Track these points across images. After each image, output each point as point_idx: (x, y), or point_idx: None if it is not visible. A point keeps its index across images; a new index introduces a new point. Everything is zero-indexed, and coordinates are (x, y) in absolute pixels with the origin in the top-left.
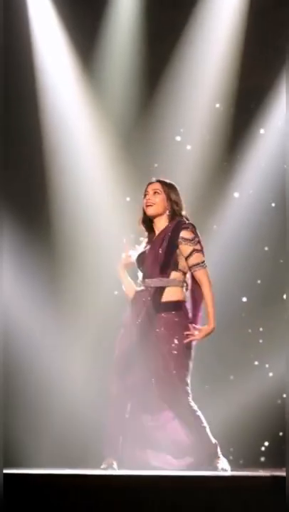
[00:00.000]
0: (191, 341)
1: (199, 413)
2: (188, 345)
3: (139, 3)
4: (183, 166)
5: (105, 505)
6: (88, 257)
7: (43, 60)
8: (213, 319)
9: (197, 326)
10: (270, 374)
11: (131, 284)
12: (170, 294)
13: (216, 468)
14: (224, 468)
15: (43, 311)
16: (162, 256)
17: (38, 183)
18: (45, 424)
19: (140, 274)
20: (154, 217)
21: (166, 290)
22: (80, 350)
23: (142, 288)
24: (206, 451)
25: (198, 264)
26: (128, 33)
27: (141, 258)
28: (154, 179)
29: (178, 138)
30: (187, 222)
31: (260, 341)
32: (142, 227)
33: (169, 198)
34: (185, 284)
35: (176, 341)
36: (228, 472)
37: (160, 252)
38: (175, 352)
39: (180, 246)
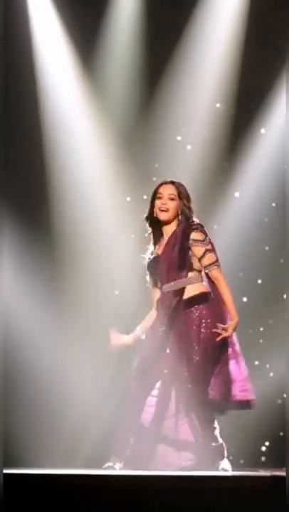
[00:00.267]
0: (221, 340)
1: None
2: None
3: (140, 3)
4: (183, 166)
5: (105, 505)
6: (88, 256)
7: (43, 60)
8: (235, 313)
9: (223, 326)
10: (271, 374)
11: (128, 338)
12: (192, 290)
13: (217, 468)
14: (225, 468)
15: (43, 310)
16: (176, 260)
17: (38, 183)
18: (45, 424)
19: (148, 278)
20: (165, 222)
21: (187, 288)
22: (80, 349)
23: (162, 294)
24: (213, 451)
25: (212, 263)
26: (128, 33)
27: (153, 264)
28: (168, 180)
29: (178, 138)
30: (196, 222)
31: (261, 341)
32: (147, 226)
33: (183, 205)
34: (204, 279)
35: (202, 336)
36: (228, 472)
37: (174, 256)
38: (203, 349)
39: (192, 248)
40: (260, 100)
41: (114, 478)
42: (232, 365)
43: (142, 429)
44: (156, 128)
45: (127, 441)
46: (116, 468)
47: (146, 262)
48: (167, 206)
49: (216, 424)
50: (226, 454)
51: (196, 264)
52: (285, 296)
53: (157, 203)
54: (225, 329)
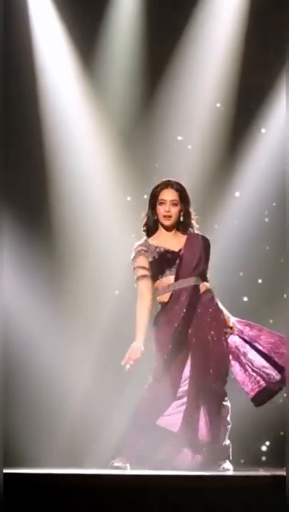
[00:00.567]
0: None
1: (229, 415)
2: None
3: (140, 3)
4: (184, 166)
5: (105, 505)
6: (89, 256)
7: (44, 60)
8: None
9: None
10: None
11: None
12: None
13: (219, 468)
14: (226, 467)
15: (43, 310)
16: (201, 267)
17: (38, 183)
18: (45, 423)
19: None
20: (168, 228)
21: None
22: (81, 349)
23: (176, 290)
24: (220, 451)
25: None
26: (128, 33)
27: (164, 261)
28: (167, 183)
29: (179, 137)
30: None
31: None
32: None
33: (183, 210)
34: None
35: (214, 337)
36: (229, 472)
37: (199, 263)
38: (216, 347)
39: None
40: (260, 100)
41: (114, 478)
42: (252, 355)
43: (164, 433)
44: (156, 128)
45: (138, 442)
46: (127, 469)
47: (149, 251)
48: (171, 213)
49: (229, 425)
50: (230, 456)
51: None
52: (285, 295)
53: (160, 209)
54: (230, 327)
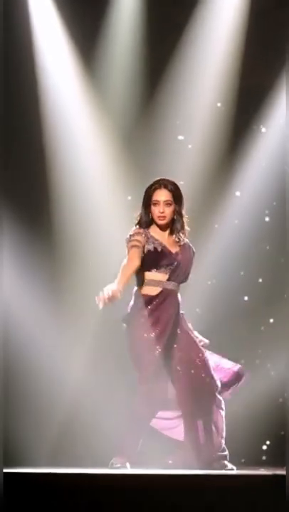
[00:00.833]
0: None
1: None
2: None
3: (140, 3)
4: (184, 165)
5: (106, 504)
6: (89, 256)
7: (44, 60)
8: None
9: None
10: (272, 373)
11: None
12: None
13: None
14: (230, 468)
15: (43, 310)
16: (189, 273)
17: (38, 183)
18: (46, 423)
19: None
20: (163, 227)
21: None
22: (81, 349)
23: (166, 289)
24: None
25: None
26: (129, 33)
27: (159, 256)
28: (160, 182)
29: (180, 137)
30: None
31: (262, 340)
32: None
33: (175, 211)
34: None
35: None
36: (229, 471)
37: (190, 268)
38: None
39: None
40: (261, 99)
41: (114, 478)
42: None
43: (165, 438)
44: (157, 127)
45: (136, 442)
46: (127, 468)
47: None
48: (165, 214)
49: (223, 433)
50: (227, 461)
51: None
52: (285, 295)
53: (154, 210)
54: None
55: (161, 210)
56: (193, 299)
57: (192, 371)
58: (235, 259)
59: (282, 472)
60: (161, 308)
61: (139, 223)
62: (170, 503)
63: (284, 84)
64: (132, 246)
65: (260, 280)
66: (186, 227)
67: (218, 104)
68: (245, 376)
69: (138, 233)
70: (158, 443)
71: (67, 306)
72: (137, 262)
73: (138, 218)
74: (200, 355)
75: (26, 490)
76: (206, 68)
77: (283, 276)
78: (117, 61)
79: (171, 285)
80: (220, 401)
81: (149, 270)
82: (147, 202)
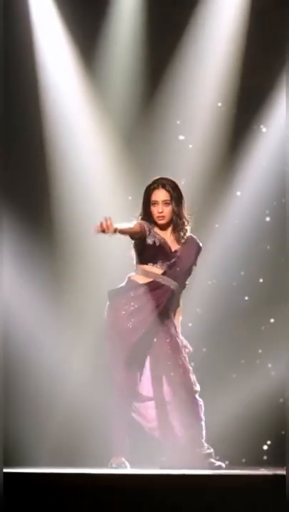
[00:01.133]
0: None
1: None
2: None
3: (141, 3)
4: (185, 165)
5: (106, 504)
6: (89, 255)
7: (45, 60)
8: None
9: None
10: (272, 373)
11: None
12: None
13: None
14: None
15: (43, 309)
16: (189, 271)
17: (39, 182)
18: (46, 423)
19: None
20: (163, 227)
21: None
22: (81, 348)
23: (158, 281)
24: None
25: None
26: (129, 32)
27: (158, 251)
28: (158, 182)
29: (181, 137)
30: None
31: (262, 340)
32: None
33: (173, 210)
34: None
35: (179, 339)
36: (229, 471)
37: (190, 266)
38: (184, 353)
39: None
40: (261, 99)
41: (114, 478)
42: None
43: (139, 428)
44: (157, 127)
45: (123, 437)
46: (126, 467)
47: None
48: (164, 214)
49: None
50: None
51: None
52: (286, 295)
53: (153, 210)
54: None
55: (160, 210)
56: (194, 299)
57: (169, 368)
58: (236, 259)
59: (283, 472)
60: (146, 298)
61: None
62: (170, 503)
63: (284, 84)
64: (137, 222)
65: (261, 280)
66: (187, 226)
67: (219, 104)
68: None
69: (144, 222)
70: (149, 443)
71: (68, 306)
72: (137, 228)
73: (139, 218)
74: (180, 355)
75: (26, 490)
76: (207, 68)
77: (284, 276)
78: (117, 61)
79: (164, 280)
80: (196, 401)
81: (146, 263)
82: (147, 202)
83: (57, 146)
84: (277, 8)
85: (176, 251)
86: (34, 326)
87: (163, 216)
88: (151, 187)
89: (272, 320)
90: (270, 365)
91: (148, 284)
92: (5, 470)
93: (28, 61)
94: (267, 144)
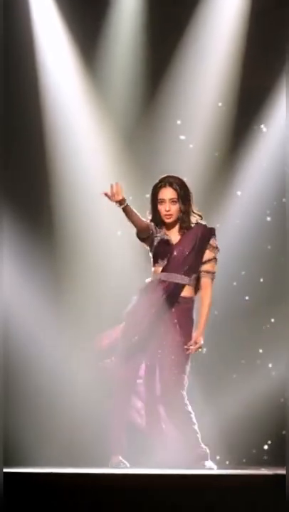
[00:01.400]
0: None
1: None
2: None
3: (141, 3)
4: (185, 165)
5: (106, 504)
6: (90, 255)
7: (45, 60)
8: (204, 325)
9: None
10: (273, 373)
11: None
12: (187, 291)
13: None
14: (210, 467)
15: (44, 309)
16: (192, 259)
17: (39, 182)
18: (46, 423)
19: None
20: (170, 225)
21: (185, 287)
22: (82, 348)
23: (157, 279)
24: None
25: (210, 272)
26: (130, 33)
27: (161, 249)
28: (166, 180)
29: (182, 137)
30: (212, 228)
31: (263, 340)
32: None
33: (180, 209)
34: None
35: (182, 338)
36: (229, 471)
37: (190, 254)
38: (179, 349)
39: (206, 251)
40: (262, 99)
41: (114, 478)
42: None
43: (135, 427)
44: (158, 127)
45: (120, 435)
46: (126, 467)
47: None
48: (171, 212)
49: (196, 429)
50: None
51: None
52: (287, 294)
53: (160, 208)
54: (196, 341)
55: (167, 209)
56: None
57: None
58: (237, 258)
59: (283, 472)
60: (147, 297)
61: (152, 221)
62: (170, 503)
63: (284, 84)
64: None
65: (262, 280)
66: (195, 222)
67: (220, 104)
68: None
69: (152, 224)
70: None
71: (68, 306)
72: (145, 223)
73: (150, 217)
74: (178, 356)
75: (26, 490)
76: (207, 68)
77: (284, 276)
78: (118, 61)
79: (163, 276)
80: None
81: (154, 264)
82: (154, 201)
83: (57, 146)
84: (277, 8)
85: (175, 245)
86: (34, 326)
87: (170, 214)
88: (159, 185)
89: (272, 320)
90: (270, 365)
91: (149, 283)
92: (5, 470)
93: (28, 61)
94: (267, 144)
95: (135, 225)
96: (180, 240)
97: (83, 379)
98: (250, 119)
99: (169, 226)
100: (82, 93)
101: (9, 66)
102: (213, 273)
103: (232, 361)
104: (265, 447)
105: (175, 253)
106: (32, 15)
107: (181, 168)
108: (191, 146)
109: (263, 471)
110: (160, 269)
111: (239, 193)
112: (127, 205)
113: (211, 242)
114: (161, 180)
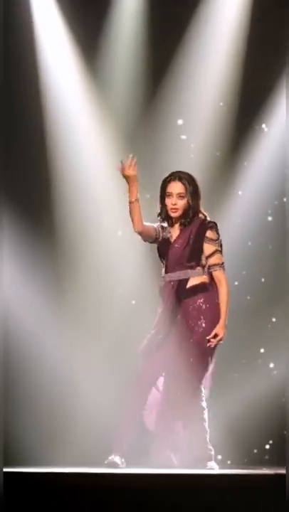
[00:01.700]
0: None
1: (206, 418)
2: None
3: (143, 2)
4: (186, 165)
5: (106, 504)
6: (91, 255)
7: (46, 60)
8: (225, 317)
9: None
10: (274, 372)
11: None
12: (194, 281)
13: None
14: (212, 467)
15: (44, 308)
16: (188, 254)
17: (39, 182)
18: (46, 422)
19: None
20: (176, 219)
21: (190, 279)
22: (82, 348)
23: (165, 282)
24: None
25: (218, 264)
26: (131, 32)
27: (162, 249)
28: (176, 175)
29: (183, 137)
30: (211, 221)
31: (264, 340)
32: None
33: (188, 203)
34: (206, 273)
35: (200, 329)
36: (229, 471)
37: (185, 249)
38: (196, 343)
39: (204, 245)
40: (263, 99)
41: (114, 477)
42: None
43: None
44: (159, 127)
45: (128, 436)
46: (118, 462)
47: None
48: (177, 206)
49: (206, 428)
50: (213, 456)
51: (203, 261)
52: (288, 294)
53: (168, 202)
54: (216, 333)
55: (174, 202)
56: None
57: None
58: (238, 258)
59: (283, 471)
60: (162, 302)
61: (160, 215)
62: (170, 503)
63: (284, 84)
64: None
65: (263, 280)
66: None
67: (221, 104)
68: None
69: (157, 228)
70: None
71: (69, 305)
72: (151, 227)
73: (158, 211)
74: (197, 356)
75: (26, 490)
76: (208, 68)
77: (286, 276)
78: (119, 60)
79: (167, 277)
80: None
81: (162, 266)
82: (162, 194)
83: (58, 145)
84: (277, 8)
85: (172, 242)
86: (35, 326)
87: (176, 208)
88: (168, 179)
89: (274, 319)
90: (271, 365)
91: (161, 289)
92: (5, 470)
93: (29, 60)
94: (268, 144)
95: (136, 226)
96: (177, 237)
97: (84, 379)
98: (252, 119)
99: (174, 222)
100: (83, 92)
101: (10, 65)
102: (222, 264)
103: (233, 361)
104: (267, 447)
105: (172, 250)
106: (33, 14)
107: (182, 167)
108: (192, 145)
109: (263, 471)
110: (162, 271)
111: (240, 192)
112: (136, 175)
113: (208, 234)
114: (171, 175)
